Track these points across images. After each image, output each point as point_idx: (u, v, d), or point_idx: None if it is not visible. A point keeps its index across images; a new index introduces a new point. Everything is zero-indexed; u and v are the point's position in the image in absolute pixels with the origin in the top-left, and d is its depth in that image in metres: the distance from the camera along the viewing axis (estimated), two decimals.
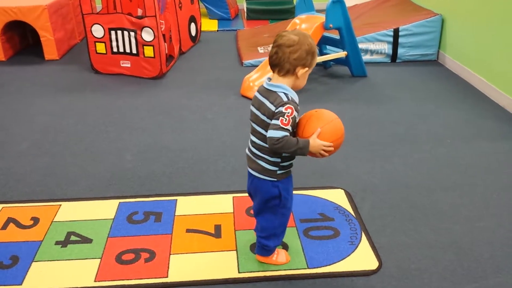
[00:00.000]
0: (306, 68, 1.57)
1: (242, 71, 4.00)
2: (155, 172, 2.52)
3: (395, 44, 4.21)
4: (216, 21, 5.78)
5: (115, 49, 3.93)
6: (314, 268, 1.82)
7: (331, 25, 3.53)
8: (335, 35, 3.82)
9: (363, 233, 2.02)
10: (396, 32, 4.16)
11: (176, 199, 2.25)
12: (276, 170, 1.65)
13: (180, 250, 1.92)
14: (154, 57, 3.83)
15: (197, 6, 4.90)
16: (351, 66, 3.84)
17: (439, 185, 2.40)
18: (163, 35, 4.04)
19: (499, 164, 2.61)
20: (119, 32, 3.86)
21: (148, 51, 3.83)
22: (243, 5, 6.05)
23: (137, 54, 3.87)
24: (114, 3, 4.16)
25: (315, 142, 1.57)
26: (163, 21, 4.07)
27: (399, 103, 3.44)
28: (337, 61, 3.94)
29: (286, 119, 1.51)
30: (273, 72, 1.61)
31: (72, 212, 2.18)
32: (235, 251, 1.91)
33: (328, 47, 4.08)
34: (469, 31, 3.83)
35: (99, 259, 1.87)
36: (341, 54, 3.75)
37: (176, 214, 2.15)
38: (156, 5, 3.72)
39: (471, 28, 3.80)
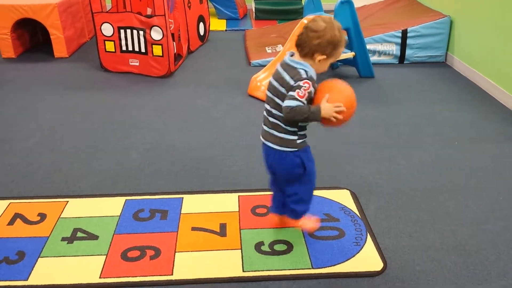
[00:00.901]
0: (324, 56, 1.63)
1: (250, 70, 4.00)
2: (161, 170, 2.54)
3: (403, 45, 4.19)
4: (224, 21, 5.79)
5: (124, 48, 3.95)
6: (319, 268, 1.82)
7: None
8: None
9: (368, 234, 2.01)
10: (404, 33, 4.14)
11: (182, 197, 2.26)
12: (295, 139, 1.72)
13: (185, 248, 1.93)
14: (162, 56, 3.85)
15: (206, 6, 4.92)
16: (358, 66, 3.84)
17: (445, 187, 2.39)
18: (172, 34, 4.06)
19: (505, 166, 2.59)
20: (128, 31, 3.88)
21: (157, 50, 3.85)
22: (252, 5, 6.06)
23: (145, 53, 3.89)
24: (123, 2, 4.18)
25: (326, 106, 1.62)
26: (172, 20, 4.09)
27: (406, 105, 3.43)
28: (345, 61, 3.94)
29: (302, 92, 1.60)
30: (296, 50, 1.67)
31: (78, 208, 2.19)
32: (239, 250, 1.91)
33: None
34: (477, 33, 3.80)
35: (105, 256, 1.88)
36: (349, 54, 3.75)
37: (182, 212, 2.16)
38: (165, 4, 3.74)
39: (479, 30, 3.77)
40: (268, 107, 1.73)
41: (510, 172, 2.54)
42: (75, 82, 3.87)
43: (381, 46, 4.18)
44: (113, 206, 2.20)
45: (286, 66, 1.67)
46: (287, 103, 1.61)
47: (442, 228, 2.08)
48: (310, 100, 1.65)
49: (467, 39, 3.99)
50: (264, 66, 3.87)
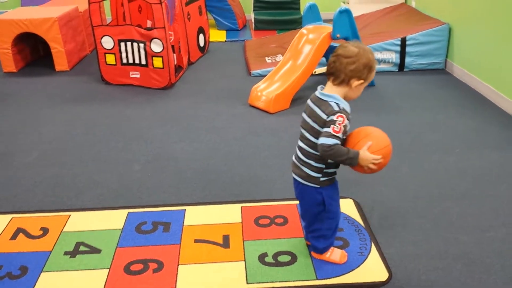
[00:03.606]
0: (362, 81, 1.61)
1: (250, 81, 4.02)
2: (163, 182, 2.53)
3: (402, 53, 4.21)
4: (224, 32, 5.82)
5: (124, 60, 3.97)
6: (323, 279, 1.80)
7: (338, 35, 3.54)
8: None
9: (372, 244, 2.00)
10: (403, 41, 4.16)
11: (185, 209, 2.26)
12: (319, 177, 1.69)
13: (189, 261, 1.91)
14: (163, 68, 3.87)
15: (205, 18, 4.95)
16: None
17: (448, 195, 2.38)
18: (172, 46, 4.08)
19: (508, 173, 2.58)
20: (129, 44, 3.90)
21: (157, 62, 3.86)
22: (251, 16, 6.10)
23: (146, 65, 3.91)
24: (123, 15, 4.21)
25: (365, 155, 1.59)
26: (172, 33, 4.12)
27: (407, 112, 3.43)
28: None
29: (337, 127, 1.56)
30: (328, 80, 1.65)
31: (81, 222, 2.19)
32: (243, 262, 1.90)
33: None
34: (476, 39, 3.82)
35: (108, 270, 1.87)
36: None
37: (184, 224, 2.15)
38: (165, 17, 3.76)
39: (478, 37, 3.78)
40: (300, 143, 1.71)
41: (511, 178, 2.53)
42: (77, 95, 3.88)
43: (380, 55, 4.19)
44: (115, 219, 2.20)
45: (317, 100, 1.64)
46: (324, 140, 1.57)
47: (446, 236, 2.07)
48: (346, 133, 1.62)
49: (466, 45, 4.00)
50: (264, 76, 3.89)
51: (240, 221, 2.16)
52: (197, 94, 3.84)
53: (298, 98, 3.62)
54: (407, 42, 4.16)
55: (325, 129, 1.58)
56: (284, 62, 3.66)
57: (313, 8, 3.78)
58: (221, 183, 2.51)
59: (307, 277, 1.81)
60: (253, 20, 5.93)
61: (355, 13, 5.31)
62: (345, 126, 1.58)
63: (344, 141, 1.64)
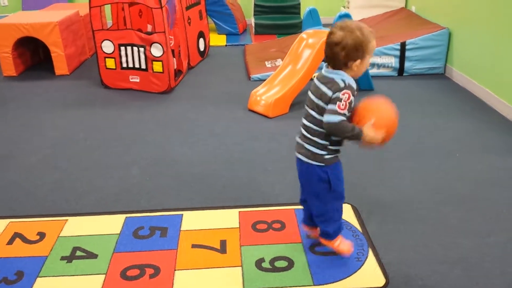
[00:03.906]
0: (359, 60, 1.60)
1: (250, 85, 4.02)
2: (162, 186, 2.53)
3: (402, 58, 4.21)
4: (224, 36, 5.83)
5: (124, 65, 3.97)
6: (320, 285, 1.79)
7: None
8: None
9: (370, 249, 1.99)
10: (403, 45, 4.16)
11: (182, 214, 2.25)
12: (324, 154, 1.69)
13: (185, 266, 1.91)
14: (163, 72, 3.87)
15: (205, 22, 4.96)
16: (358, 79, 3.83)
17: (448, 199, 2.37)
18: (172, 51, 4.09)
19: (508, 178, 2.57)
20: (129, 48, 3.91)
21: (157, 66, 3.87)
22: (251, 20, 6.11)
23: (146, 69, 3.92)
24: (124, 19, 4.22)
25: (369, 131, 1.62)
26: (172, 37, 4.12)
27: (407, 117, 3.42)
28: None
29: (343, 104, 1.57)
30: (329, 65, 1.65)
31: (78, 227, 2.18)
32: (240, 267, 1.89)
33: None
34: (476, 44, 3.81)
35: (104, 275, 1.87)
36: None
37: (181, 229, 2.14)
38: (165, 21, 3.77)
39: (478, 41, 3.78)
40: (305, 121, 1.71)
41: (510, 183, 2.52)
42: (76, 99, 3.89)
43: (380, 59, 4.19)
44: (113, 224, 2.19)
45: (322, 78, 1.64)
46: (329, 118, 1.58)
47: (445, 241, 2.06)
48: (351, 109, 1.63)
49: (465, 50, 4.00)
50: (264, 80, 3.88)
51: (238, 226, 2.15)
52: (197, 99, 3.84)
53: (298, 103, 3.62)
54: (407, 47, 4.16)
55: (330, 106, 1.58)
56: (284, 66, 3.66)
57: (313, 13, 3.79)
58: (220, 187, 2.51)
59: (304, 282, 1.80)
60: (253, 25, 5.94)
61: (355, 18, 5.32)
62: (350, 103, 1.60)
63: (349, 117, 1.66)
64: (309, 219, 1.96)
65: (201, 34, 4.82)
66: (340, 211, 1.85)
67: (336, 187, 1.75)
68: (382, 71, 4.25)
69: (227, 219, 2.20)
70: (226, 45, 5.51)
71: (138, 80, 3.99)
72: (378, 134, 1.63)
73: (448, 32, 4.20)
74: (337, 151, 1.73)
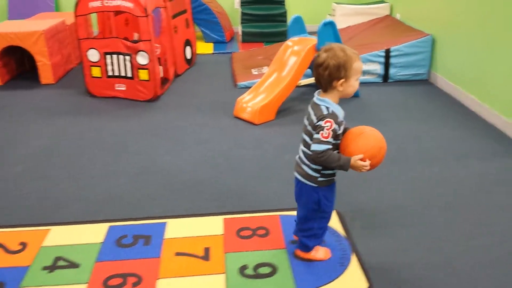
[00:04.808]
0: (342, 80, 1.65)
1: (236, 92, 4.03)
2: (147, 194, 2.52)
3: (386, 65, 4.26)
4: (211, 44, 5.85)
5: (110, 73, 3.97)
6: None
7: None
8: None
9: (353, 254, 2.00)
10: (387, 52, 4.21)
11: (166, 222, 2.24)
12: (317, 177, 1.77)
13: (168, 274, 1.90)
14: (149, 80, 3.87)
15: (192, 30, 4.98)
16: None
17: (432, 205, 2.39)
18: (158, 59, 4.10)
19: (491, 183, 2.60)
20: (115, 56, 3.91)
21: (143, 75, 3.87)
22: (239, 28, 6.14)
23: (132, 78, 3.91)
24: (110, 27, 4.22)
25: (356, 164, 1.66)
26: (158, 45, 4.13)
27: (391, 123, 3.46)
28: None
29: (326, 132, 1.64)
30: (318, 87, 1.74)
31: (61, 236, 2.16)
32: (223, 275, 1.88)
33: None
34: (459, 50, 3.87)
35: (86, 285, 1.85)
36: None
37: (165, 237, 2.13)
38: (151, 29, 3.78)
39: (461, 48, 3.84)
40: (301, 145, 1.79)
41: (496, 188, 2.54)
42: (62, 108, 3.87)
43: (365, 66, 4.23)
44: (96, 232, 2.18)
45: (312, 104, 1.73)
46: (315, 147, 1.66)
47: (429, 246, 2.07)
48: (337, 136, 1.69)
49: (449, 56, 4.06)
50: (250, 87, 3.90)
51: (222, 233, 2.15)
52: (183, 106, 3.85)
53: (284, 110, 3.65)
54: (391, 54, 4.21)
55: (315, 136, 1.66)
56: (269, 73, 3.68)
57: (298, 21, 3.82)
58: (205, 195, 2.50)
59: None
60: (240, 33, 5.97)
61: (341, 25, 5.38)
62: (334, 131, 1.65)
63: (337, 145, 1.72)
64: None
65: (187, 42, 4.83)
66: (324, 229, 1.93)
67: (325, 207, 1.82)
68: (367, 78, 4.29)
69: (211, 226, 2.20)
70: (213, 53, 5.53)
71: (124, 88, 3.98)
72: (363, 165, 1.67)
73: (431, 38, 4.26)
74: (331, 174, 1.79)
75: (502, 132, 3.25)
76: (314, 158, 1.68)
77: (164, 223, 2.23)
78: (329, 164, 1.68)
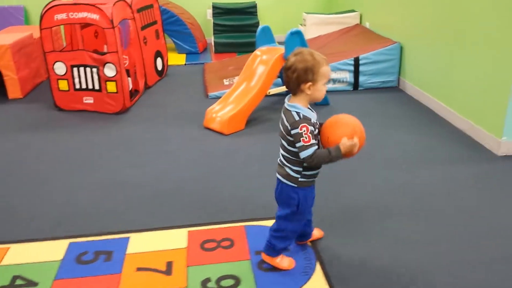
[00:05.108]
0: (310, 83, 1.68)
1: (207, 103, 4.00)
2: (109, 209, 2.46)
3: (356, 73, 4.30)
4: (184, 55, 5.83)
5: (77, 86, 3.91)
6: None
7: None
8: None
9: (317, 263, 1.98)
10: (356, 60, 4.25)
11: (129, 237, 2.19)
12: (298, 177, 1.79)
13: None
14: (117, 92, 3.82)
15: (163, 41, 4.95)
16: None
17: (395, 211, 2.40)
18: (127, 70, 4.05)
19: (456, 188, 2.63)
20: (81, 69, 3.85)
21: (111, 87, 3.82)
22: (211, 39, 6.14)
23: (100, 90, 3.86)
24: (77, 40, 4.17)
25: (346, 145, 1.69)
26: (126, 57, 4.09)
27: None
28: None
29: (306, 137, 1.68)
30: (289, 91, 1.77)
31: (20, 254, 2.09)
32: None
33: None
34: (425, 57, 3.94)
35: None
36: None
37: (127, 252, 2.08)
38: (118, 41, 3.74)
39: (427, 55, 3.91)
40: (280, 149, 1.81)
41: (460, 193, 2.57)
42: (28, 122, 3.78)
43: (335, 74, 4.27)
44: (55, 249, 2.11)
45: (284, 110, 1.75)
46: (303, 154, 1.68)
47: (393, 253, 2.07)
48: (315, 136, 1.72)
49: (417, 63, 4.12)
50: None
51: (186, 246, 2.11)
52: (153, 118, 3.80)
53: (253, 119, 3.64)
54: (360, 62, 4.26)
55: (298, 144, 1.69)
56: (239, 83, 3.68)
57: (265, 30, 3.84)
58: (169, 207, 2.46)
59: None
60: (213, 43, 5.97)
61: (311, 35, 5.44)
62: (312, 132, 1.69)
63: (318, 143, 1.75)
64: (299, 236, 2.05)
65: (158, 54, 4.80)
66: (296, 233, 1.94)
67: (303, 209, 1.84)
68: (337, 86, 4.32)
69: (175, 239, 2.16)
70: (185, 64, 5.51)
71: (92, 101, 3.92)
72: (353, 142, 1.70)
73: (399, 46, 4.33)
74: (311, 175, 1.81)
75: (469, 136, 3.31)
76: (309, 164, 1.71)
77: (127, 238, 2.18)
78: (323, 162, 1.71)
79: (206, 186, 2.68)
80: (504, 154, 3.00)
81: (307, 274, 1.91)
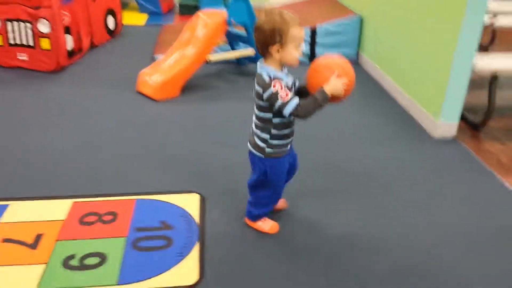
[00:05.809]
0: (278, 45, 1.56)
1: None
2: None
3: (312, 44, 4.07)
4: (145, 15, 5.56)
5: (12, 41, 3.68)
6: (124, 284, 1.63)
7: (233, 21, 3.37)
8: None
9: (198, 243, 1.84)
10: (313, 31, 4.02)
11: (8, 204, 2.05)
12: (264, 148, 1.73)
13: None
14: (51, 49, 3.60)
15: None
16: None
17: (308, 191, 2.25)
18: (67, 28, 3.82)
19: (392, 168, 2.47)
20: (16, 23, 3.62)
21: (45, 44, 3.60)
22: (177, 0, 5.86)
23: (33, 47, 3.64)
24: None
25: (332, 85, 1.59)
26: (67, 13, 3.84)
27: None
28: (250, 59, 3.78)
29: (283, 93, 1.57)
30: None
31: None
32: (44, 265, 1.71)
33: (241, 44, 3.92)
34: (383, 32, 3.72)
35: None
36: (248, 52, 3.59)
37: (0, 221, 1.94)
38: None
39: (385, 30, 3.68)
40: (253, 115, 1.73)
41: (409, 175, 2.41)
42: None
43: None
44: None
45: (256, 75, 1.64)
46: (285, 110, 1.59)
47: (285, 236, 1.93)
48: (294, 88, 1.64)
49: (373, 38, 3.90)
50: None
51: (64, 218, 1.97)
52: (88, 79, 3.60)
53: (192, 87, 3.44)
54: (318, 32, 4.03)
55: (277, 103, 1.58)
56: (176, 46, 3.46)
57: None
58: (64, 176, 2.30)
59: (107, 282, 1.64)
60: (177, 5, 5.68)
61: (278, 3, 5.16)
62: (287, 86, 1.59)
63: (300, 92, 1.67)
64: None
65: (110, 11, 4.54)
66: (271, 199, 1.91)
67: (271, 178, 1.79)
68: None
69: (56, 210, 2.01)
70: (145, 25, 5.25)
71: (26, 58, 3.70)
72: (343, 80, 1.60)
73: (360, 19, 4.09)
74: (278, 146, 1.72)
75: (411, 116, 3.13)
76: (297, 118, 1.62)
77: (6, 206, 2.03)
78: (312, 110, 1.59)
79: (109, 156, 2.50)
80: (441, 136, 2.85)
81: (181, 255, 1.77)
